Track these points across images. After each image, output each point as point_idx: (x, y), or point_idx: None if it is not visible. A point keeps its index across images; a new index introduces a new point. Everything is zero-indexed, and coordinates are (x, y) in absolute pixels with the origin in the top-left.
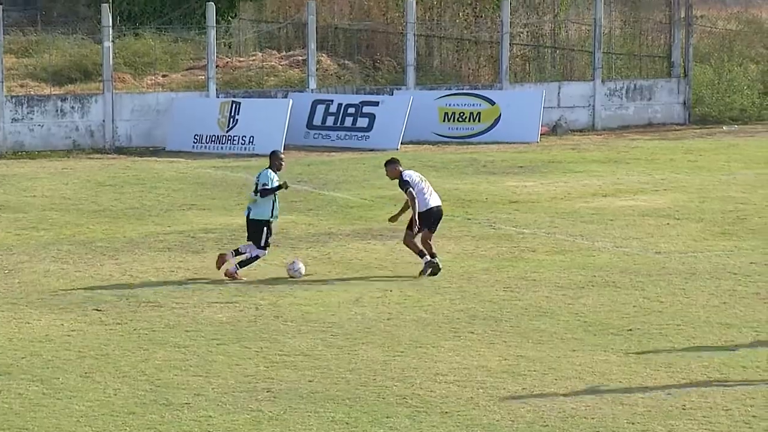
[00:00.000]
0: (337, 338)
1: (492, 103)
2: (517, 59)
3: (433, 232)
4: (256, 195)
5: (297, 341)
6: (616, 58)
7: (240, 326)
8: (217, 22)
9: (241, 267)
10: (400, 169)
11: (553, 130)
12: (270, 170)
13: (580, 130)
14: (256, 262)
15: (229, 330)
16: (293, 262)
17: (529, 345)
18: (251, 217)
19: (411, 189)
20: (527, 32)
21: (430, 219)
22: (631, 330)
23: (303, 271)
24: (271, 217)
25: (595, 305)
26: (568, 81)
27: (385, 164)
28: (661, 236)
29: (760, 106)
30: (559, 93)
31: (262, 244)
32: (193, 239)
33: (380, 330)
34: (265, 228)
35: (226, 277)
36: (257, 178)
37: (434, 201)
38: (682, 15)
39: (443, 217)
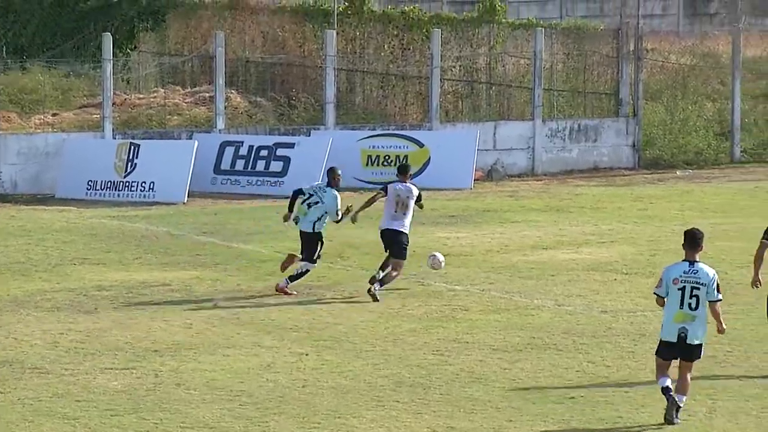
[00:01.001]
0: (246, 408)
1: (420, 145)
2: (449, 96)
3: (391, 256)
4: (308, 210)
5: (201, 412)
6: (558, 95)
7: (137, 395)
8: (115, 54)
9: (291, 281)
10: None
11: (489, 175)
12: (334, 189)
13: (519, 175)
14: (303, 277)
15: (124, 399)
16: (433, 255)
17: (460, 415)
18: (316, 230)
19: (381, 193)
20: (460, 66)
21: (383, 239)
22: (573, 398)
23: (441, 259)
24: (313, 230)
25: (534, 370)
26: (505, 120)
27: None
28: (608, 293)
29: (717, 149)
30: (495, 134)
31: (315, 257)
32: (86, 298)
33: (295, 399)
34: (319, 241)
35: (277, 292)
36: (318, 195)
37: (386, 224)
38: (631, 48)
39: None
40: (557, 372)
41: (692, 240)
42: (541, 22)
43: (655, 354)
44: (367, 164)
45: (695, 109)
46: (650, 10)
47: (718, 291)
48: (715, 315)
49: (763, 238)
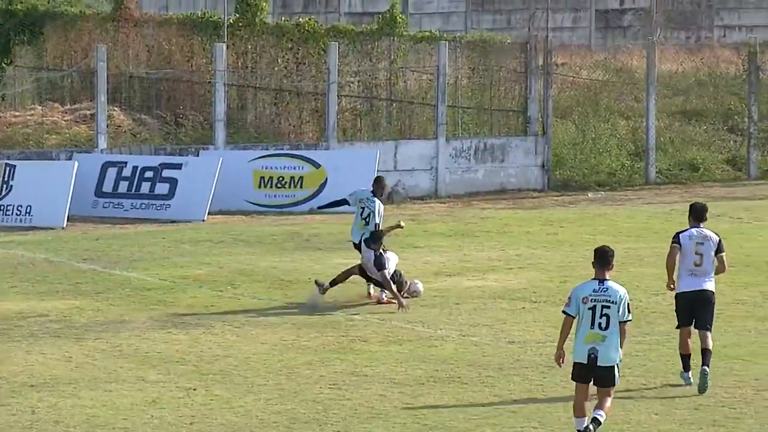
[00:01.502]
0: None
1: (317, 165)
2: (347, 113)
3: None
4: (366, 225)
5: None
6: (463, 112)
7: None
8: None
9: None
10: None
11: (389, 197)
12: (377, 199)
13: (421, 198)
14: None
15: None
16: (412, 282)
17: None
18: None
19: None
20: (358, 82)
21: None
22: None
23: (421, 289)
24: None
25: (437, 404)
26: (406, 139)
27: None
28: (516, 322)
29: (631, 169)
30: (396, 153)
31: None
32: None
33: None
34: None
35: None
36: (366, 203)
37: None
38: (540, 62)
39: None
40: (462, 406)
41: (602, 258)
42: (445, 35)
43: (571, 378)
44: (259, 186)
45: (608, 128)
46: (560, 23)
47: (628, 311)
48: (622, 335)
49: (672, 242)
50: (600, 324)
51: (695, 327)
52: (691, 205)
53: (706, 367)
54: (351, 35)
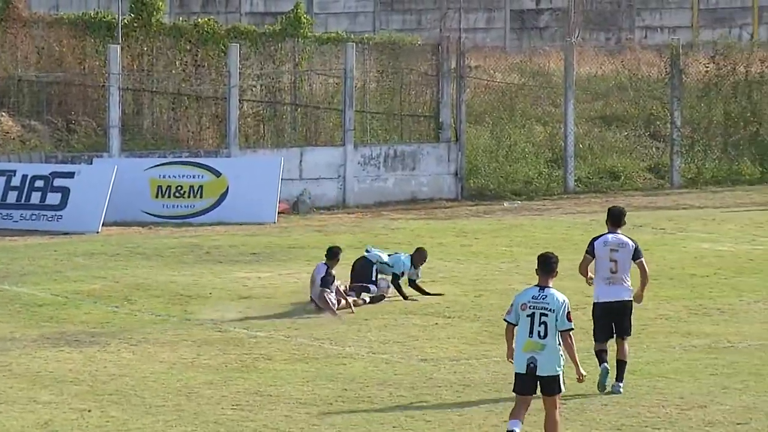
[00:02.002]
0: None
1: (217, 174)
2: (249, 119)
3: None
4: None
5: None
6: (371, 117)
7: None
8: None
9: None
10: None
11: (294, 207)
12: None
13: (328, 208)
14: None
15: None
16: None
17: None
18: None
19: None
20: (261, 86)
21: None
22: None
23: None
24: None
25: (346, 426)
26: (312, 146)
27: None
28: (428, 339)
29: (549, 177)
30: (301, 161)
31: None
32: None
33: None
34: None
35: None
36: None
37: None
38: (453, 65)
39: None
40: (372, 428)
41: (545, 264)
42: (352, 36)
43: (513, 390)
44: (156, 195)
45: (524, 134)
46: (473, 24)
47: (569, 319)
48: (569, 349)
49: (586, 251)
50: (539, 332)
51: (614, 333)
52: (608, 210)
53: (620, 384)
54: (253, 36)
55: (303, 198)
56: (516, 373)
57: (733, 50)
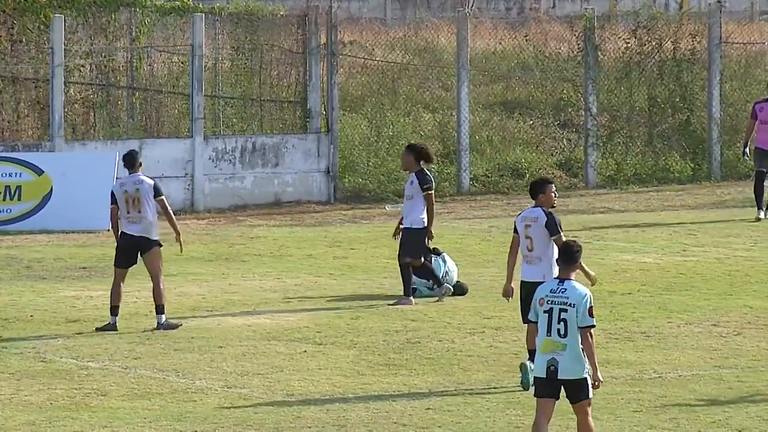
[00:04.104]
0: None
1: (39, 171)
2: (77, 105)
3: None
4: None
5: None
6: (225, 104)
7: None
8: None
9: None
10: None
11: None
12: None
13: (174, 212)
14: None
15: None
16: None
17: None
18: None
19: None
20: (91, 65)
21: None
22: None
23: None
24: None
25: None
26: (153, 138)
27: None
28: (296, 370)
29: (439, 176)
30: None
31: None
32: None
33: None
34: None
35: None
36: None
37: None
38: (322, 41)
39: None
40: None
41: (566, 254)
42: (201, 6)
43: (534, 394)
44: None
45: (409, 123)
46: None
47: (590, 315)
48: (587, 348)
49: (515, 232)
50: (558, 330)
51: None
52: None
53: (530, 362)
54: (81, 5)
55: None
56: (536, 377)
57: (659, 22)
